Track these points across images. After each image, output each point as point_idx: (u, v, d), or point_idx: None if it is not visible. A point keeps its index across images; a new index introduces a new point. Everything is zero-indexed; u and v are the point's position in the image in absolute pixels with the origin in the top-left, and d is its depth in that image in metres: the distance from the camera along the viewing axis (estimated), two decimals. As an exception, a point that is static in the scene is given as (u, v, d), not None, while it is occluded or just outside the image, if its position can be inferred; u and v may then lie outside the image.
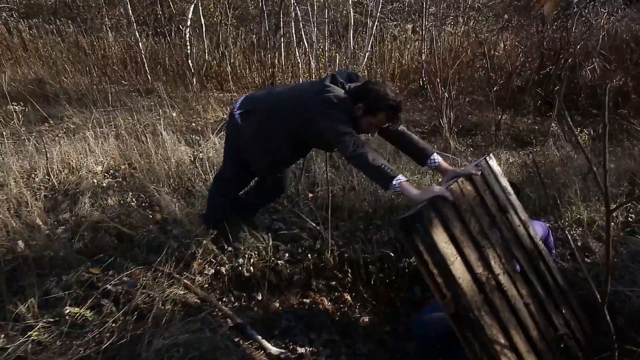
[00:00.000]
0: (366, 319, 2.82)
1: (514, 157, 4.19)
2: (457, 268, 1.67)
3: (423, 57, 6.93)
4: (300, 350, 2.34)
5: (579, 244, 2.83)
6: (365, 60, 7.36)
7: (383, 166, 1.91)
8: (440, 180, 2.46)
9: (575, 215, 3.04)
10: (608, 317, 1.71)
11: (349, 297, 2.89)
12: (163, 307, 2.25)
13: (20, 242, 2.63)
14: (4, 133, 3.95)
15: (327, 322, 2.66)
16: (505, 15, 7.72)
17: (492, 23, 7.93)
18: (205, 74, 7.29)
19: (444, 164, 2.19)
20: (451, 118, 4.59)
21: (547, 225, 2.68)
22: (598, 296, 1.74)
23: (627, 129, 4.20)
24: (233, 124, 2.44)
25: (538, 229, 2.53)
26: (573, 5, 5.71)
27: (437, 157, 2.21)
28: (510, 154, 4.27)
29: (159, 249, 2.65)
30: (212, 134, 4.07)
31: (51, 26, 7.65)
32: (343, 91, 2.18)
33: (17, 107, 4.22)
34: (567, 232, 2.15)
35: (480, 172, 2.08)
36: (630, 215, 3.05)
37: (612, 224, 2.93)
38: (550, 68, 6.02)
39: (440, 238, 1.67)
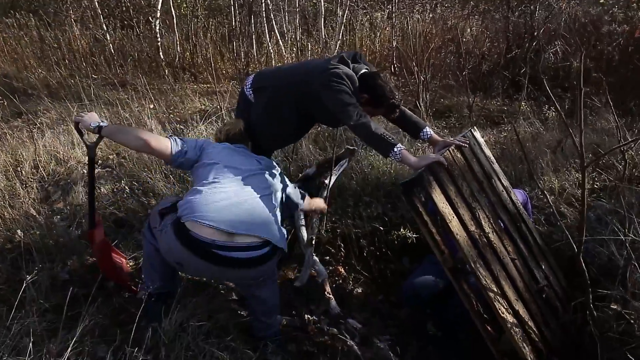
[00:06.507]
0: (360, 290, 2.98)
1: (487, 135, 4.43)
2: (455, 226, 1.84)
3: (394, 44, 7.10)
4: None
5: (553, 209, 3.07)
6: (337, 48, 7.47)
7: (384, 135, 2.03)
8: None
9: (547, 185, 3.29)
10: (583, 264, 1.93)
11: (343, 270, 3.03)
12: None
13: (18, 232, 2.64)
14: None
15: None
16: (471, 2, 8.00)
17: (458, 10, 8.19)
18: (178, 65, 7.24)
19: (435, 136, 2.34)
20: (427, 101, 4.78)
21: (526, 193, 2.91)
22: (575, 246, 1.95)
23: (589, 105, 4.50)
24: (244, 100, 2.52)
25: (518, 195, 2.76)
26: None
27: (429, 130, 2.36)
28: (484, 132, 4.51)
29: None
30: (200, 122, 4.12)
31: (10, 20, 7.38)
32: (351, 72, 2.24)
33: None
34: (545, 194, 2.34)
35: (468, 142, 2.26)
36: (596, 183, 3.31)
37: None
38: (516, 52, 6.33)
39: (440, 199, 1.83)
